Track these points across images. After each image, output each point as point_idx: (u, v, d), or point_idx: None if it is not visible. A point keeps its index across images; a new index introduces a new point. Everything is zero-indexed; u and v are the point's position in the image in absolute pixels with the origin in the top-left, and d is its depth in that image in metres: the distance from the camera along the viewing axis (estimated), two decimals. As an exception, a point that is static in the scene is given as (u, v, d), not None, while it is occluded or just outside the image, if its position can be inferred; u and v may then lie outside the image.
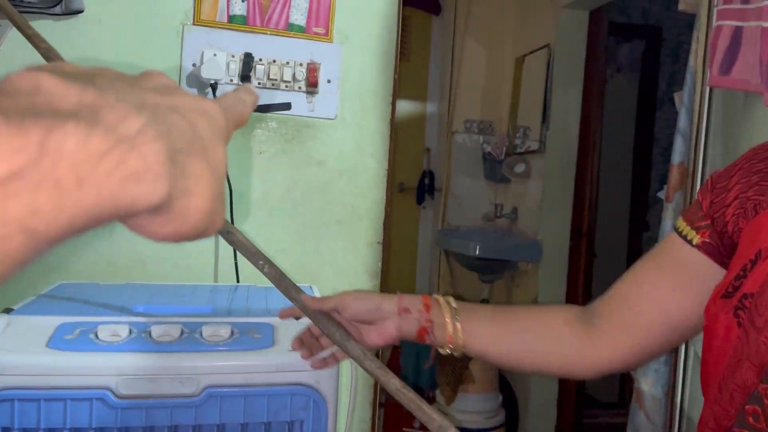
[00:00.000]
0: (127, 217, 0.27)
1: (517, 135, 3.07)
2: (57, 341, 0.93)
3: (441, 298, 0.81)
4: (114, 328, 0.96)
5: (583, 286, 2.86)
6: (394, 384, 0.72)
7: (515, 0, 3.22)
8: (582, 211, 2.86)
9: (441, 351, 0.81)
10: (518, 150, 3.05)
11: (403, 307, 0.79)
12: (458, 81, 3.38)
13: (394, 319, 0.79)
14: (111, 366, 0.90)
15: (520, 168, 3.02)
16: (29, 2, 1.15)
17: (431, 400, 2.86)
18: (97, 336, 0.94)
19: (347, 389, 1.44)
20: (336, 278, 1.46)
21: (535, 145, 2.93)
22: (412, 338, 0.80)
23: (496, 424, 2.71)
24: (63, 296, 1.16)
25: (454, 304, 0.81)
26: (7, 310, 1.04)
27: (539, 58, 2.94)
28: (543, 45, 2.90)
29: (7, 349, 0.90)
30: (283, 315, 0.87)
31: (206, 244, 1.37)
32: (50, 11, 1.16)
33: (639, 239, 3.77)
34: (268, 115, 1.40)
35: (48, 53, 0.76)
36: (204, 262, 1.39)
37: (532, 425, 2.87)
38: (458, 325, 0.78)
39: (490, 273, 3.12)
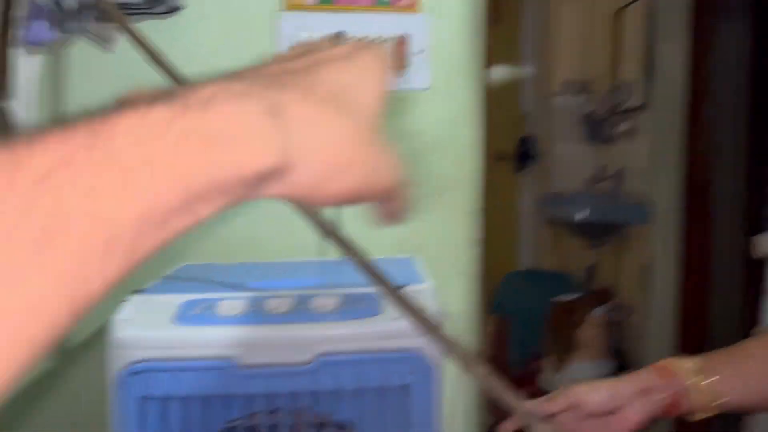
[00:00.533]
0: (262, 184, 0.26)
1: (620, 92, 2.94)
2: (182, 317, 1.00)
3: (675, 362, 0.75)
4: (232, 303, 1.02)
5: (700, 248, 2.72)
6: (480, 371, 0.72)
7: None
8: (694, 167, 2.71)
9: (690, 419, 0.74)
10: (621, 108, 2.93)
11: (642, 387, 0.73)
12: (553, 41, 3.28)
13: (637, 401, 0.73)
14: (232, 338, 0.96)
15: (624, 127, 2.89)
16: (135, 4, 1.23)
17: (538, 369, 2.84)
18: (217, 311, 1.01)
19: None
20: (437, 248, 1.48)
21: (639, 102, 2.80)
22: (658, 416, 0.73)
23: (610, 391, 2.64)
24: (185, 277, 1.25)
25: (689, 364, 0.75)
26: (137, 291, 1.13)
27: (639, 9, 2.79)
28: (643, -5, 2.75)
29: (140, 325, 0.99)
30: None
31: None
32: (154, 11, 1.24)
33: (759, 194, 3.52)
34: (362, 92, 1.43)
35: (156, 57, 0.81)
36: (310, 239, 1.44)
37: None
38: (705, 385, 0.73)
39: (597, 238, 3.03)
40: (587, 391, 0.74)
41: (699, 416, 0.73)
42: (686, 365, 0.74)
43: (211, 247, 1.44)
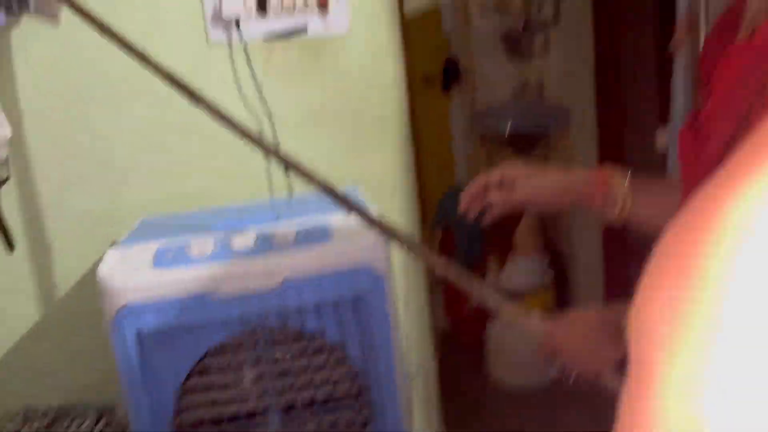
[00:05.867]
0: None
1: (533, 8, 3.10)
2: (160, 261, 1.15)
3: (612, 172, 0.92)
4: (201, 244, 1.18)
5: (615, 145, 2.97)
6: (440, 262, 0.90)
7: None
8: (606, 73, 2.92)
9: (603, 216, 0.92)
10: (536, 23, 3.09)
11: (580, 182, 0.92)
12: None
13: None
14: (207, 274, 1.12)
15: (538, 40, 3.07)
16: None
17: (483, 270, 3.10)
18: (189, 252, 1.16)
19: (402, 274, 1.66)
20: (376, 178, 1.64)
21: (550, 15, 2.97)
22: (580, 203, 0.93)
23: (545, 283, 2.94)
24: (152, 226, 1.39)
25: (622, 179, 0.91)
26: (112, 245, 1.27)
27: (544, -75, 2.91)
28: None
29: (124, 273, 1.13)
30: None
31: (258, 163, 1.55)
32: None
33: (666, 91, 3.77)
34: (289, 41, 1.54)
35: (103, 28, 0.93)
36: (259, 180, 1.58)
37: (581, 281, 3.10)
38: (626, 194, 0.90)
39: (526, 148, 3.25)
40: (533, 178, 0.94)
41: (610, 215, 0.92)
42: (620, 178, 0.92)
43: (165, 200, 1.57)
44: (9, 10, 1.16)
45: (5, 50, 1.42)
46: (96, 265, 1.18)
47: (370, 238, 1.16)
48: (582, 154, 3.02)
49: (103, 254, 1.22)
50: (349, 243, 1.18)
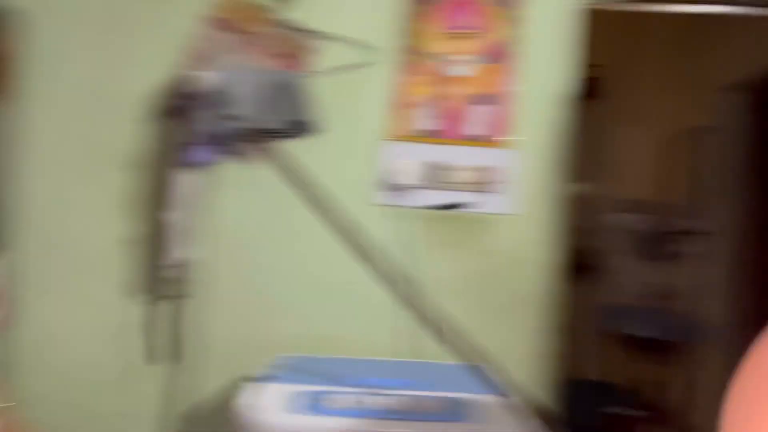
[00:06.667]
0: None
1: (683, 212, 3.05)
2: (300, 407, 1.14)
3: None
4: (339, 397, 1.17)
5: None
6: None
7: (676, 81, 3.21)
8: (752, 291, 2.77)
9: None
10: (683, 227, 3.03)
11: None
12: (614, 160, 3.43)
13: None
14: (342, 428, 1.10)
15: (685, 247, 2.99)
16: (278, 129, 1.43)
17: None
18: (328, 403, 1.15)
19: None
20: (513, 357, 1.59)
21: (706, 226, 2.90)
22: None
23: None
24: (289, 367, 1.40)
25: None
26: (249, 379, 1.28)
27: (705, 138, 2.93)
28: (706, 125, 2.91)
29: (262, 412, 1.13)
30: None
31: (390, 323, 1.55)
32: (290, 134, 1.46)
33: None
34: (453, 212, 1.60)
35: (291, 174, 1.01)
36: (382, 337, 1.58)
37: None
38: None
39: (654, 354, 3.06)
40: None
41: None
42: None
43: (293, 341, 1.60)
44: (218, 150, 1.30)
45: (216, 183, 1.58)
46: (228, 393, 1.19)
47: (508, 419, 1.11)
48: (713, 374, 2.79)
49: (234, 383, 1.23)
50: (487, 423, 1.13)
